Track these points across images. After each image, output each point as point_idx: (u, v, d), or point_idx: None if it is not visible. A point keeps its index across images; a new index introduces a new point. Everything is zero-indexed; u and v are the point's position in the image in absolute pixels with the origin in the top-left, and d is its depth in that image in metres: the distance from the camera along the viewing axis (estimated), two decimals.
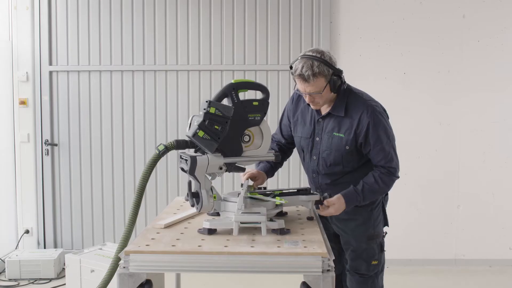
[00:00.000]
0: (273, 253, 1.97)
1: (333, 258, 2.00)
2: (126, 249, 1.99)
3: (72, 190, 5.07)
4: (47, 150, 5.01)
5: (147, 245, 2.05)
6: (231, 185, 5.01)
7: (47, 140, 5.00)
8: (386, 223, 2.87)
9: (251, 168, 2.80)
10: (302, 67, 2.51)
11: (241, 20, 4.91)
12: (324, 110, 2.72)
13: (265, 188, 2.68)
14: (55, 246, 5.09)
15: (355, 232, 2.78)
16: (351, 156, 2.68)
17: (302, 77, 2.52)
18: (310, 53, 2.55)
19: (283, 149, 2.99)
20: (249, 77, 4.90)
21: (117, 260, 2.27)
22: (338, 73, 2.56)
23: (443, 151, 4.99)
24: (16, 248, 4.99)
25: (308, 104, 2.70)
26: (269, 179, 2.88)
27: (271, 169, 2.86)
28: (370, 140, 2.61)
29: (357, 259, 2.80)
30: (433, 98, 4.94)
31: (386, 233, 2.88)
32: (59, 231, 5.10)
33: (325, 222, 2.83)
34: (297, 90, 2.71)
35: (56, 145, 5.01)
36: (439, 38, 4.90)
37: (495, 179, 5.01)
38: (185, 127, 5.04)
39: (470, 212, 5.03)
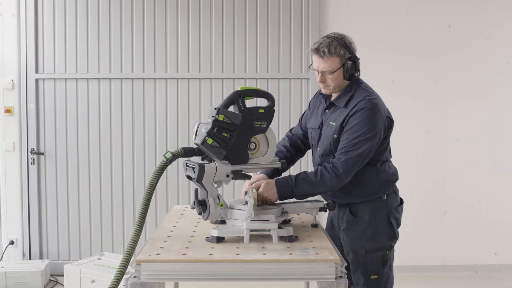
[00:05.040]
0: (286, 260, 1.97)
1: (345, 264, 2.00)
2: (137, 258, 1.97)
3: (59, 200, 4.98)
4: (33, 159, 4.92)
5: (157, 254, 2.03)
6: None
7: (33, 149, 4.91)
8: (394, 236, 2.68)
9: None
10: (321, 43, 2.56)
11: (231, 29, 4.91)
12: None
13: None
14: (41, 257, 4.99)
15: (353, 243, 2.64)
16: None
17: (317, 51, 2.55)
18: (332, 34, 2.59)
19: (296, 146, 2.95)
20: (239, 86, 4.89)
21: (123, 269, 2.22)
22: (354, 59, 2.58)
23: (430, 158, 5.06)
24: (0, 260, 4.88)
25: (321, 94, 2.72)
26: None
27: (275, 173, 2.73)
28: (348, 125, 2.52)
29: (355, 272, 2.64)
30: (420, 106, 5.01)
31: (391, 246, 2.69)
32: (45, 241, 5.00)
33: (335, 233, 2.76)
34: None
35: (42, 154, 4.92)
36: (425, 47, 4.98)
37: (481, 186, 5.09)
38: (174, 136, 5.06)
39: (456, 218, 5.10)
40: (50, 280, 4.75)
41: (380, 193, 2.66)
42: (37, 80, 4.90)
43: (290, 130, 3.05)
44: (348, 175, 2.48)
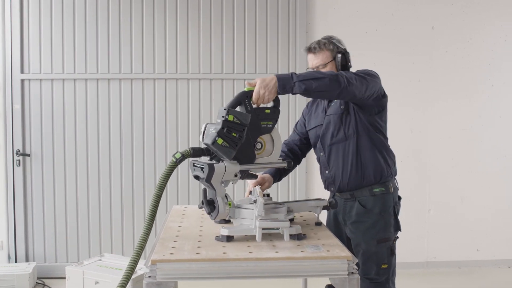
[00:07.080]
0: (299, 258, 2.00)
1: (357, 261, 2.05)
2: (152, 258, 1.97)
3: (45, 202, 4.92)
4: (19, 160, 4.86)
5: (171, 253, 2.04)
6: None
7: (19, 150, 4.85)
8: (398, 228, 2.89)
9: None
10: (312, 43, 2.84)
11: (219, 30, 4.92)
12: None
13: (268, 195, 2.70)
14: (27, 260, 4.92)
15: (365, 235, 2.79)
16: (348, 116, 2.75)
17: (309, 49, 2.81)
18: (321, 38, 2.85)
19: (294, 151, 3.07)
20: (228, 86, 4.93)
21: (131, 269, 2.22)
22: (343, 51, 2.80)
23: (414, 157, 5.16)
24: None
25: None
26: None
27: (278, 173, 2.88)
28: None
29: (367, 262, 2.79)
30: (405, 106, 5.11)
31: (397, 237, 2.90)
32: (31, 244, 4.93)
33: (340, 228, 2.90)
34: None
35: (28, 155, 4.86)
36: (410, 48, 5.09)
37: (463, 184, 5.23)
38: (163, 138, 5.03)
39: (440, 216, 5.22)
40: (37, 283, 4.69)
41: (388, 170, 2.86)
42: (22, 81, 4.83)
43: (284, 141, 3.11)
44: (354, 81, 2.44)
